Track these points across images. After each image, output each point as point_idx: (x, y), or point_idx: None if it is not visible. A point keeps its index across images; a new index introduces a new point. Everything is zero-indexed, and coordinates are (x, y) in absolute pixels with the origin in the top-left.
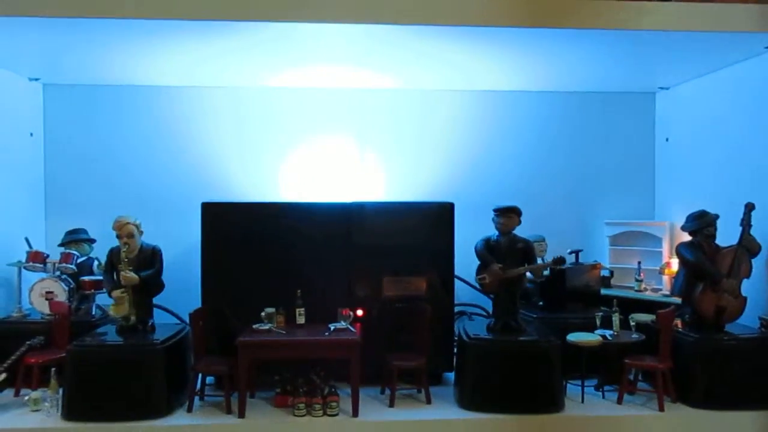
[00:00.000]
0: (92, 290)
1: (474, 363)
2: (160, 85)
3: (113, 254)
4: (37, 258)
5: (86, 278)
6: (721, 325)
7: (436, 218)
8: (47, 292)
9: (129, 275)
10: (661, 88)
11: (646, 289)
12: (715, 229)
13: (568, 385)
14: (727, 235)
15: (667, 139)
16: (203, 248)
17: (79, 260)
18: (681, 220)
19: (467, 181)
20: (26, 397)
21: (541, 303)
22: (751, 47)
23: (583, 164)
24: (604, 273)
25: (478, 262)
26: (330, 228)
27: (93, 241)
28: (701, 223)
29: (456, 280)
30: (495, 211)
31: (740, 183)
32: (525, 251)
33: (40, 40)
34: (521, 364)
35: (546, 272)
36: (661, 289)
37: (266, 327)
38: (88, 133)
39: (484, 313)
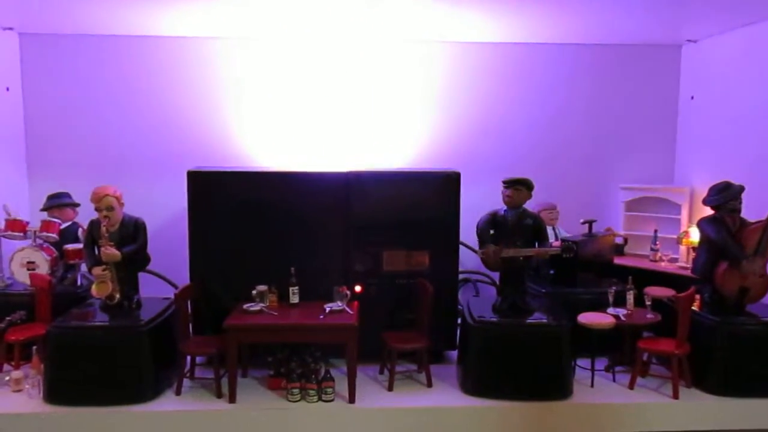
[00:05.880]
0: (77, 260)
1: (478, 347)
2: (147, 35)
3: (93, 227)
4: (16, 227)
5: (70, 246)
6: (743, 306)
7: (441, 188)
8: (28, 262)
9: (110, 251)
10: (689, 40)
11: (662, 259)
12: (740, 203)
13: (577, 364)
14: (751, 206)
15: (692, 97)
16: (190, 220)
17: (62, 227)
18: (703, 186)
19: (475, 142)
20: (6, 377)
21: (552, 272)
22: None
23: (599, 124)
24: (618, 240)
25: None
26: (327, 199)
27: (77, 205)
28: (724, 197)
29: (461, 248)
30: (503, 182)
31: None
32: (535, 228)
33: None
34: (528, 349)
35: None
36: (677, 260)
37: (257, 307)
38: (70, 87)
39: (488, 280)
